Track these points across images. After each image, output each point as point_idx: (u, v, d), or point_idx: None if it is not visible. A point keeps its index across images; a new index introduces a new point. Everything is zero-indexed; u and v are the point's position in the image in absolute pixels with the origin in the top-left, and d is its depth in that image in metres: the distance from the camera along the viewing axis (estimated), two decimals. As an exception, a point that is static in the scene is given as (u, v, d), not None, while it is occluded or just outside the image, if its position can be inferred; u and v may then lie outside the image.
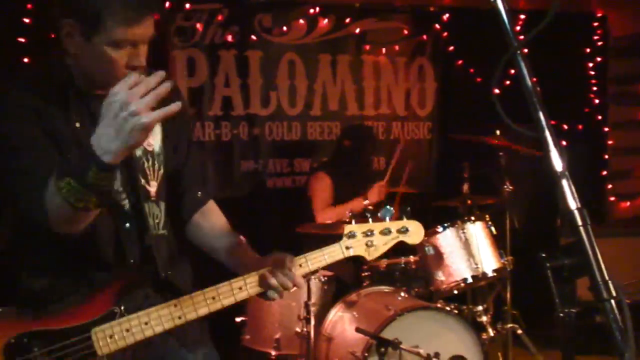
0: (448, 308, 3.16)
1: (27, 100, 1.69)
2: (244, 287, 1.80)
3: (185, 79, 4.56)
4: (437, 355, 2.88)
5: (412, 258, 3.67)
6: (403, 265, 3.66)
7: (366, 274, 3.71)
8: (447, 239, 3.41)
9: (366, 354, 2.92)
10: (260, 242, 3.84)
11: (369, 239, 1.94)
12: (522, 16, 5.20)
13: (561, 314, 1.13)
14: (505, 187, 3.70)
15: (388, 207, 1.98)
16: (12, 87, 1.73)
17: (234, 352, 3.84)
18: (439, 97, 5.18)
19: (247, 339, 3.61)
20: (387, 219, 1.96)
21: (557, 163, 1.18)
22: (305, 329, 3.33)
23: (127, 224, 1.81)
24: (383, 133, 5.09)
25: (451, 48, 5.11)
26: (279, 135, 4.82)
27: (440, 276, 3.41)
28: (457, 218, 3.45)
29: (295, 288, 1.84)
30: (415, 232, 1.99)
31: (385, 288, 3.52)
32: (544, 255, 1.18)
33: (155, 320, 1.72)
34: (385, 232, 1.95)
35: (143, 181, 1.85)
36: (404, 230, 1.97)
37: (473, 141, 3.91)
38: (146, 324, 1.71)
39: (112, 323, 1.70)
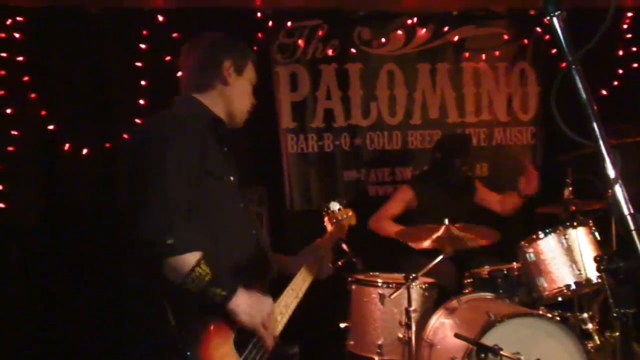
0: (550, 315, 3.12)
1: (193, 124, 2.03)
2: (304, 278, 2.33)
3: (289, 94, 4.77)
4: (538, 362, 2.86)
5: (514, 265, 3.64)
6: (505, 272, 3.64)
7: (468, 280, 3.73)
8: (548, 245, 3.37)
9: (466, 360, 2.95)
10: (366, 250, 3.99)
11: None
12: (630, 14, 5.03)
13: (615, 314, 1.17)
14: (610, 191, 3.59)
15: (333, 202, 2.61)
16: (179, 118, 2.06)
17: (339, 357, 3.97)
18: (542, 101, 5.08)
19: (351, 344, 3.72)
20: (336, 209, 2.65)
21: (611, 171, 1.23)
22: (406, 335, 3.40)
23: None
24: (485, 139, 5.07)
25: (554, 51, 5.01)
26: (380, 145, 4.93)
27: (543, 283, 3.37)
28: (559, 224, 3.40)
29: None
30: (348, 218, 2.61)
31: (487, 295, 3.52)
32: (598, 257, 1.23)
33: (290, 302, 2.22)
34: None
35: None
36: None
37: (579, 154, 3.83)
38: (280, 312, 2.14)
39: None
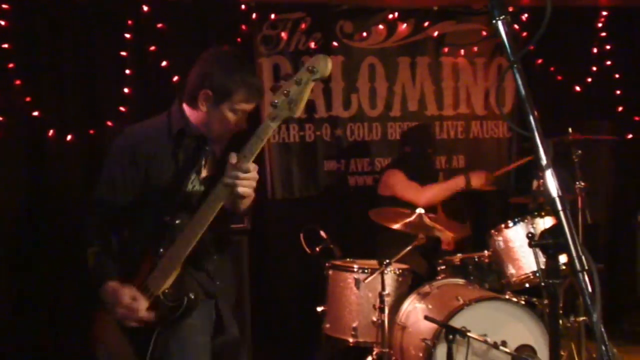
0: (515, 299, 3.26)
1: (138, 148, 2.39)
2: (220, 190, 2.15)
3: (272, 84, 4.82)
4: (504, 343, 3.00)
5: (485, 252, 3.78)
6: (476, 260, 3.78)
7: (441, 267, 3.86)
8: (517, 233, 3.51)
9: (435, 341, 3.08)
10: (344, 237, 4.09)
11: (288, 98, 2.10)
12: (604, 12, 5.17)
13: (543, 284, 1.32)
14: (578, 184, 3.75)
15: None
16: (129, 135, 2.47)
17: (316, 339, 4.09)
18: (518, 96, 5.20)
19: (327, 327, 3.84)
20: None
21: (543, 157, 1.37)
22: (380, 318, 3.52)
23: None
24: (462, 132, 5.19)
25: (531, 47, 5.13)
26: (360, 136, 5.04)
27: (511, 269, 3.51)
28: (528, 214, 3.54)
29: (251, 175, 2.16)
30: (323, 64, 2.10)
31: (458, 281, 3.66)
32: (530, 234, 1.39)
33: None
34: (298, 81, 2.09)
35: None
36: (313, 70, 2.09)
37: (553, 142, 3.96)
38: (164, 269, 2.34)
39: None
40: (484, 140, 5.23)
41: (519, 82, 1.44)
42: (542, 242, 1.43)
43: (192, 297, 2.26)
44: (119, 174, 2.36)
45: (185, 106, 2.38)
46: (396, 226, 3.74)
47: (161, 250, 2.26)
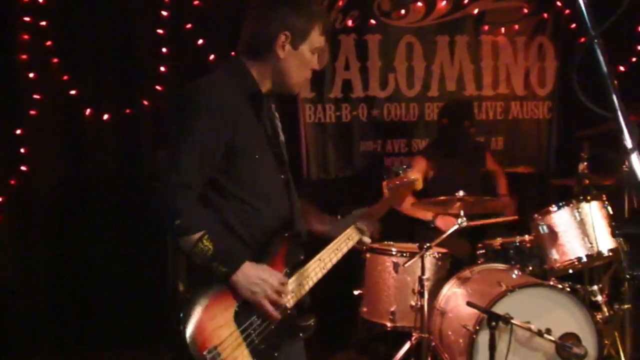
0: (560, 286, 3.18)
1: (230, 98, 1.96)
2: (349, 238, 2.25)
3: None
4: (548, 331, 2.94)
5: (526, 237, 3.70)
6: (517, 244, 3.70)
7: (481, 252, 3.79)
8: (561, 218, 3.42)
9: (477, 328, 3.02)
10: (380, 219, 4.05)
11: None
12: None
13: (628, 276, 1.24)
14: (625, 167, 3.62)
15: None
16: (216, 86, 1.99)
17: (352, 323, 4.07)
18: (559, 76, 5.08)
19: (364, 311, 3.81)
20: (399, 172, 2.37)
21: (628, 141, 1.28)
22: (419, 303, 3.48)
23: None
24: (501, 113, 5.08)
25: (573, 25, 4.99)
26: (397, 116, 4.96)
27: (554, 255, 3.42)
28: (573, 198, 3.44)
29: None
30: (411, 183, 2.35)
31: (499, 266, 3.59)
32: (614, 223, 1.29)
33: (312, 273, 2.09)
34: None
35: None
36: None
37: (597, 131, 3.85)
38: (307, 277, 2.07)
39: (290, 280, 2.04)
40: (523, 121, 5.11)
41: (601, 58, 1.33)
42: (626, 231, 1.31)
43: (314, 322, 2.07)
44: (211, 136, 1.91)
45: (248, 62, 2.04)
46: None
47: (299, 231, 2.09)
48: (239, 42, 2.08)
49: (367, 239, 2.33)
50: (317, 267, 2.11)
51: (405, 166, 2.42)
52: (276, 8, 2.02)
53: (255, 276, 1.91)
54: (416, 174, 2.44)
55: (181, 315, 1.83)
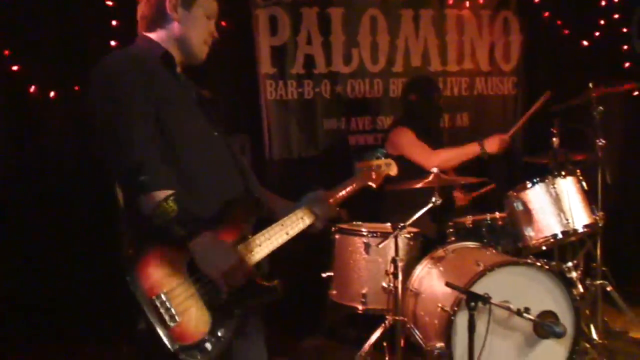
0: (539, 263, 3.12)
1: (140, 68, 1.94)
2: (301, 218, 2.18)
3: (268, 38, 4.60)
4: (527, 310, 2.85)
5: (497, 214, 3.63)
6: (489, 222, 3.63)
7: (451, 230, 3.70)
8: (537, 194, 3.35)
9: (455, 309, 2.93)
10: (347, 199, 3.92)
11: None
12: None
13: None
14: (599, 141, 3.58)
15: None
16: (123, 56, 2.00)
17: (321, 307, 3.95)
18: (524, 50, 5.03)
19: (334, 294, 3.69)
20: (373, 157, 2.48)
21: None
22: (392, 284, 3.37)
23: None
24: (466, 89, 5.01)
25: (537, 0, 4.93)
26: (361, 93, 4.83)
27: (530, 232, 3.36)
28: (548, 174, 3.38)
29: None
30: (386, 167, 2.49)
31: (472, 244, 3.51)
32: None
33: (275, 235, 2.07)
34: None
35: None
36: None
37: (569, 104, 3.78)
38: (269, 239, 2.05)
39: (248, 241, 1.99)
40: (488, 97, 5.06)
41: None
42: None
43: (278, 285, 2.00)
44: (145, 105, 1.91)
45: (150, 34, 2.10)
46: (417, 185, 3.55)
47: (257, 197, 2.05)
48: (138, 21, 2.13)
49: (319, 224, 2.25)
50: (265, 242, 2.05)
51: (378, 151, 2.52)
52: None
53: (215, 248, 1.84)
54: (390, 160, 2.52)
55: (126, 267, 1.77)
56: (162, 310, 1.77)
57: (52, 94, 4.19)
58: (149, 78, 1.93)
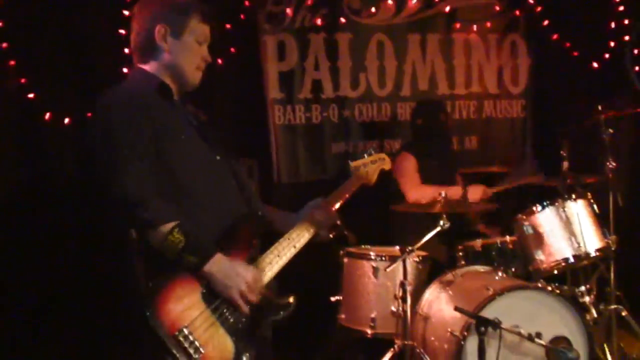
0: (550, 288, 3.09)
1: (136, 104, 1.97)
2: (306, 229, 2.21)
3: (276, 63, 4.63)
4: (538, 335, 2.82)
5: (508, 238, 3.60)
6: (499, 245, 3.60)
7: (461, 254, 3.68)
8: (546, 217, 3.33)
9: (465, 333, 2.90)
10: (354, 222, 3.91)
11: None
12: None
13: None
14: (609, 164, 3.56)
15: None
16: (119, 94, 2.03)
17: (330, 331, 3.91)
18: (533, 73, 5.03)
19: (342, 318, 3.67)
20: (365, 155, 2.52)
21: None
22: (400, 308, 3.35)
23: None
24: (475, 112, 5.01)
25: (546, 22, 4.94)
26: (368, 117, 4.83)
27: (540, 256, 3.33)
28: (557, 197, 3.35)
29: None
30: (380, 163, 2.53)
31: (482, 268, 3.49)
32: None
33: (283, 250, 2.10)
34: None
35: None
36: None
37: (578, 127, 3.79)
38: (278, 255, 2.08)
39: (258, 261, 2.02)
40: (497, 120, 5.05)
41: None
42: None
43: (293, 299, 2.05)
44: (142, 139, 1.93)
45: (144, 66, 2.12)
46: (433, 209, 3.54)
47: (257, 211, 2.07)
48: (131, 53, 2.16)
49: (323, 232, 2.30)
50: (274, 259, 2.08)
51: (371, 149, 2.55)
52: (149, 8, 2.12)
53: (229, 269, 1.88)
54: (383, 155, 2.57)
55: (145, 302, 1.77)
56: (186, 345, 1.78)
57: (66, 120, 4.24)
58: (146, 113, 1.95)
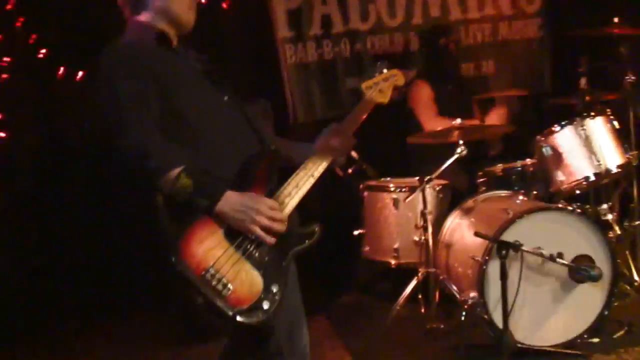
0: (570, 208, 3.06)
1: (138, 54, 1.95)
2: (323, 157, 2.13)
3: (284, 1, 4.55)
4: (560, 255, 2.83)
5: (528, 161, 3.56)
6: (520, 169, 3.56)
7: (481, 180, 3.65)
8: (565, 137, 3.27)
9: (487, 258, 2.91)
10: (375, 156, 3.91)
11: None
12: None
13: None
14: (628, 78, 3.46)
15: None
16: (118, 48, 1.99)
17: (354, 263, 3.97)
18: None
19: (366, 250, 3.72)
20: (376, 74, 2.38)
21: None
22: (423, 237, 3.37)
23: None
24: (489, 35, 4.89)
25: None
26: (381, 49, 4.75)
27: (560, 176, 3.29)
28: (576, 115, 3.29)
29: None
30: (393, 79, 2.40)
31: (503, 192, 3.46)
32: None
33: (301, 181, 2.04)
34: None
35: None
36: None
37: (592, 35, 3.66)
38: (296, 186, 2.02)
39: (276, 194, 1.98)
40: (513, 41, 4.92)
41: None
42: None
43: (317, 227, 2.02)
44: (144, 89, 1.94)
45: (138, 17, 2.09)
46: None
47: (274, 149, 2.04)
48: (120, 6, 2.12)
49: (340, 157, 2.21)
50: (293, 189, 2.03)
51: (379, 63, 2.43)
52: None
53: (240, 203, 1.88)
54: (396, 70, 2.45)
55: (169, 249, 1.80)
56: (214, 283, 1.80)
57: (79, 74, 4.25)
58: (147, 67, 1.94)
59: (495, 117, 4.05)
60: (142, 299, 4.04)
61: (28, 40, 4.16)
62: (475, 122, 3.98)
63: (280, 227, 1.90)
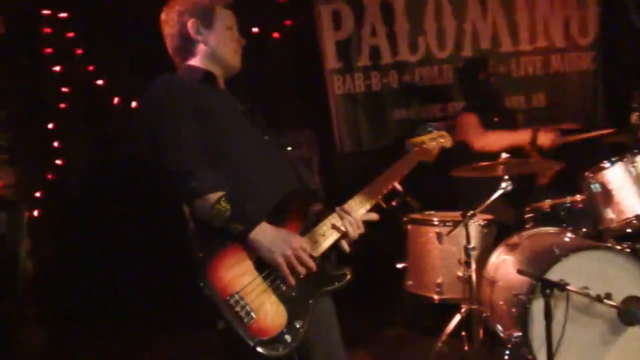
0: (619, 247, 2.97)
1: (183, 88, 2.05)
2: (361, 202, 2.17)
3: (333, 32, 4.62)
4: (608, 296, 2.74)
5: (578, 197, 3.47)
6: (568, 205, 3.47)
7: (529, 215, 3.57)
8: (615, 174, 3.17)
9: (531, 296, 2.84)
10: (419, 189, 3.88)
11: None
12: None
13: None
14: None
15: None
16: (167, 79, 2.09)
17: (398, 297, 3.93)
18: (602, 22, 4.78)
19: (409, 284, 3.66)
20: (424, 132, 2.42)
21: None
22: (466, 273, 3.32)
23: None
24: (541, 68, 4.83)
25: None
26: (429, 80, 4.75)
27: (610, 214, 3.19)
28: (626, 152, 3.20)
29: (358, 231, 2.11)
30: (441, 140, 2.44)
31: (550, 229, 3.38)
32: None
33: (323, 233, 2.04)
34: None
35: None
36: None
37: None
38: (323, 234, 2.03)
39: (311, 232, 2.02)
40: (565, 74, 4.84)
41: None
42: None
43: (348, 271, 2.04)
44: (191, 126, 1.99)
45: (187, 63, 2.18)
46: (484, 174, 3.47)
47: (307, 186, 2.10)
48: (172, 55, 2.21)
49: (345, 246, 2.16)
50: (328, 230, 2.05)
51: (428, 123, 2.46)
52: (174, 9, 2.17)
53: (274, 236, 1.92)
54: (444, 132, 2.47)
55: (198, 272, 1.83)
56: (237, 309, 1.83)
57: (133, 104, 4.39)
58: (193, 96, 2.02)
59: (548, 137, 3.90)
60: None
61: (86, 70, 4.33)
62: (527, 138, 3.86)
63: (302, 270, 1.92)
